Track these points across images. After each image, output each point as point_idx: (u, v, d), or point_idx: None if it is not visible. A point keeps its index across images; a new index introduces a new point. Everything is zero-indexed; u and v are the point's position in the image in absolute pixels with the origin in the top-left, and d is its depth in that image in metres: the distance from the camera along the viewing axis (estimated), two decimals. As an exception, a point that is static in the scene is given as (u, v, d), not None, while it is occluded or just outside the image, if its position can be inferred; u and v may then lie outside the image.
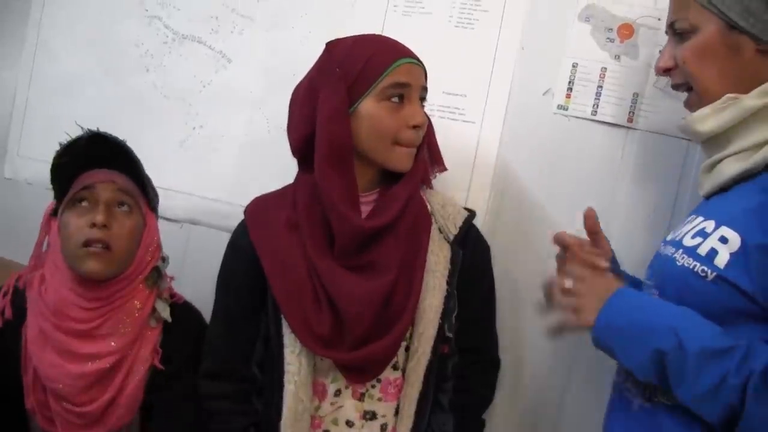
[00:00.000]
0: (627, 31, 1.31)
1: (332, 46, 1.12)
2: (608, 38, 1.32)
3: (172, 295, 1.30)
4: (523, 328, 1.37)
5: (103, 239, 1.15)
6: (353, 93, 1.07)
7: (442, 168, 1.23)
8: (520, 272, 1.36)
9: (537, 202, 1.37)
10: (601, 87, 1.32)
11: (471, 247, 1.18)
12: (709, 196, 0.94)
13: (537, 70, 1.37)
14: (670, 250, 0.90)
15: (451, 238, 1.16)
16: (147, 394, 1.22)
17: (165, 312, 1.24)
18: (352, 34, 1.15)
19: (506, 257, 1.35)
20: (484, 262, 1.23)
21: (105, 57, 1.78)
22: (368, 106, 1.07)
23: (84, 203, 1.19)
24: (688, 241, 0.87)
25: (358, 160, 1.10)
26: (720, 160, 0.91)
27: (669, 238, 0.96)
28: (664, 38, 1.26)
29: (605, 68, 1.32)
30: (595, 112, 1.33)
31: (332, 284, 1.08)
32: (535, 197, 1.37)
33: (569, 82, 1.34)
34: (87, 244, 1.15)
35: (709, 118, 0.91)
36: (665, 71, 0.99)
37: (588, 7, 1.33)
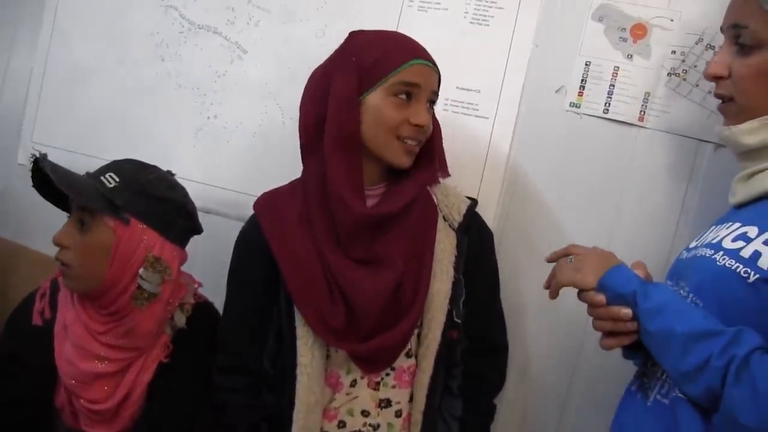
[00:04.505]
0: (640, 31, 1.32)
1: (354, 35, 1.15)
2: (621, 38, 1.34)
3: (196, 299, 1.31)
4: (529, 320, 1.39)
5: (59, 259, 1.18)
6: (364, 83, 1.09)
7: (446, 175, 1.23)
8: (530, 266, 1.38)
9: (548, 197, 1.39)
10: (613, 86, 1.34)
11: (476, 234, 1.21)
12: (742, 205, 0.94)
13: (550, 68, 1.39)
14: (706, 252, 0.90)
15: (456, 225, 1.18)
16: (151, 385, 1.25)
17: (181, 321, 1.26)
18: (369, 28, 1.17)
19: (516, 251, 1.38)
20: (489, 248, 1.26)
21: (120, 46, 1.79)
22: (376, 99, 1.09)
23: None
24: (728, 244, 0.87)
25: (365, 153, 1.12)
26: (759, 171, 0.91)
27: (694, 244, 0.97)
28: (676, 39, 1.29)
29: (618, 67, 1.34)
30: (607, 110, 1.34)
31: (342, 278, 1.10)
32: (546, 192, 1.39)
33: (582, 81, 1.36)
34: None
35: (758, 132, 0.91)
36: (715, 78, 0.97)
37: (601, 6, 1.35)
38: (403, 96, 1.10)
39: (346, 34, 1.17)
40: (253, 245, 1.17)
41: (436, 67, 1.15)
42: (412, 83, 1.10)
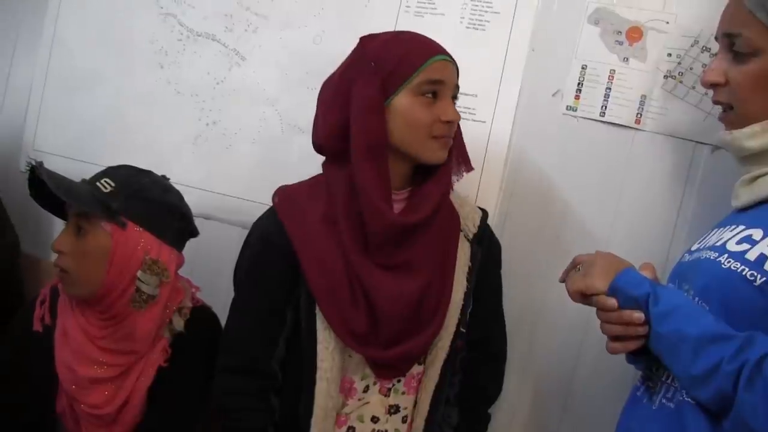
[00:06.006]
0: (636, 34, 1.33)
1: (367, 41, 1.12)
2: (617, 41, 1.34)
3: (194, 303, 1.31)
4: (530, 324, 1.39)
5: (58, 264, 1.19)
6: (387, 88, 1.07)
7: (469, 168, 1.21)
8: (528, 269, 1.39)
9: (545, 201, 1.39)
10: (609, 89, 1.34)
11: (487, 245, 1.21)
12: (745, 208, 0.94)
13: (547, 72, 1.39)
14: (711, 255, 0.89)
15: (471, 236, 1.18)
16: (152, 389, 1.25)
17: (179, 325, 1.26)
18: (373, 32, 1.14)
19: (514, 254, 1.37)
20: (498, 259, 1.26)
21: (120, 53, 1.80)
22: (402, 101, 1.08)
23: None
24: (733, 247, 0.87)
25: (391, 156, 1.10)
26: (762, 175, 0.91)
27: (696, 247, 0.97)
28: (671, 42, 1.30)
29: (614, 70, 1.34)
30: (604, 113, 1.35)
31: (366, 282, 1.08)
32: (544, 196, 1.39)
33: (578, 84, 1.37)
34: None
35: (760, 136, 0.91)
36: (712, 86, 0.97)
37: (597, 10, 1.35)
38: (430, 95, 1.08)
39: (344, 40, 1.16)
40: (273, 243, 1.13)
41: (454, 61, 1.13)
42: (437, 80, 1.08)
